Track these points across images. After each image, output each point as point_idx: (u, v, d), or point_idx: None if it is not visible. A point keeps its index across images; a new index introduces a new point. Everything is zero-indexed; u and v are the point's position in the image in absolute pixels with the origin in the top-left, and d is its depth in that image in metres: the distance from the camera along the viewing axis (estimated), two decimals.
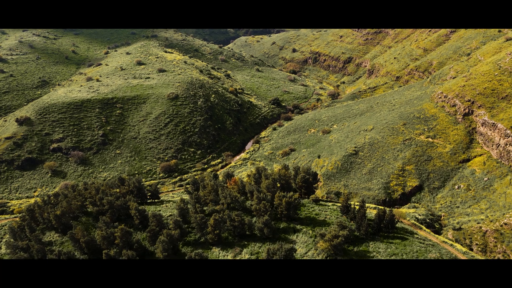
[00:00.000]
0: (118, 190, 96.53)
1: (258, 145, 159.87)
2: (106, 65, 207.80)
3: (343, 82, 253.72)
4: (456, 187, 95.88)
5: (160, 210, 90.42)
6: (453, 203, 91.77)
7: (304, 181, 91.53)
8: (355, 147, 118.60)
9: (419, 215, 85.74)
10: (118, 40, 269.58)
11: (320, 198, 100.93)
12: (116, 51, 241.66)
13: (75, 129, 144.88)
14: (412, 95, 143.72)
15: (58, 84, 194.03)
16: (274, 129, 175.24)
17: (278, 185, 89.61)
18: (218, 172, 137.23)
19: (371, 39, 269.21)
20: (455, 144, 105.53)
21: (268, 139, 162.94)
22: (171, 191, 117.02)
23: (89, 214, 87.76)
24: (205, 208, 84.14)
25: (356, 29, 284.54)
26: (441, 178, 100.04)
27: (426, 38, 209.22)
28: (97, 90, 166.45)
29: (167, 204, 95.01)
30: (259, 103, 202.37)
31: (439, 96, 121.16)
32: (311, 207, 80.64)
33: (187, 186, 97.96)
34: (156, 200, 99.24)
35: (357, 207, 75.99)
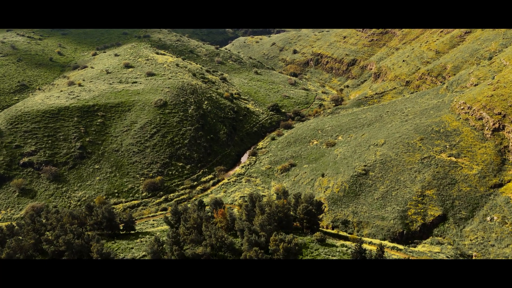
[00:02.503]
0: (85, 220, 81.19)
1: (254, 157, 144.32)
2: (92, 67, 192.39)
3: (347, 86, 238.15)
4: (488, 218, 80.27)
5: (132, 248, 75.12)
6: (486, 240, 76.18)
7: (307, 212, 76.14)
8: (365, 165, 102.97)
9: (447, 257, 70.22)
10: (108, 40, 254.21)
11: (325, 229, 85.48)
12: (104, 52, 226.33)
13: (50, 141, 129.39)
14: (427, 104, 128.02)
15: (39, 89, 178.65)
16: (273, 138, 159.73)
17: (276, 217, 74.31)
18: (209, 191, 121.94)
19: (376, 40, 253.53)
20: (484, 165, 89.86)
21: (265, 151, 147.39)
22: (153, 216, 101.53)
23: (45, 253, 72.43)
24: (185, 248, 68.83)
25: (361, 29, 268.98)
26: (469, 207, 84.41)
27: (437, 39, 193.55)
28: (77, 96, 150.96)
29: (142, 239, 79.52)
30: (257, 109, 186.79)
31: (462, 107, 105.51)
32: (315, 250, 65.19)
33: (167, 216, 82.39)
34: (131, 232, 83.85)
35: (373, 250, 60.76)
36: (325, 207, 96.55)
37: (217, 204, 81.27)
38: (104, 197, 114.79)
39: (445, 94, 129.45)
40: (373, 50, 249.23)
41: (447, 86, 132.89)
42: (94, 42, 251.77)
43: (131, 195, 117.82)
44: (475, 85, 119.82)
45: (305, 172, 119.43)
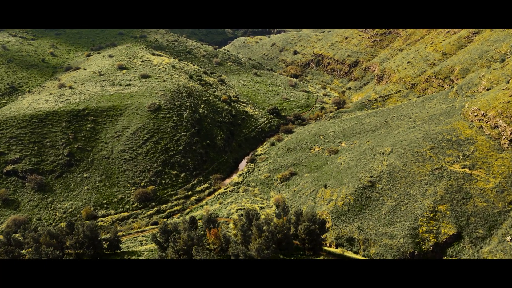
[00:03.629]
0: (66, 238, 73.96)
1: (253, 165, 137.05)
2: (84, 69, 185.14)
3: (349, 88, 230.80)
4: (508, 238, 73.04)
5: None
6: None
7: (309, 232, 69.04)
8: (371, 176, 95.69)
9: None
10: (103, 41, 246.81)
11: (329, 248, 78.27)
12: (99, 53, 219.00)
13: (36, 148, 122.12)
14: (436, 109, 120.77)
15: (29, 91, 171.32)
16: (272, 144, 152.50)
17: (275, 238, 67.17)
18: (204, 201, 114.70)
19: (379, 40, 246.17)
20: (502, 178, 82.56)
21: (264, 158, 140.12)
22: (142, 231, 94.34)
23: None
24: None
25: (363, 29, 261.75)
26: (486, 224, 77.15)
27: (444, 40, 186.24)
28: (67, 99, 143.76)
29: (129, 259, 72.39)
30: (256, 113, 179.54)
31: (475, 114, 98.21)
32: None
33: (156, 234, 75.14)
34: (117, 251, 76.72)
35: None
36: (328, 222, 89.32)
37: (210, 221, 74.04)
38: (92, 208, 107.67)
39: (455, 99, 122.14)
40: (376, 51, 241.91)
41: (456, 90, 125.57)
42: (88, 42, 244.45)
43: (121, 206, 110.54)
44: (488, 89, 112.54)
45: (307, 182, 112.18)
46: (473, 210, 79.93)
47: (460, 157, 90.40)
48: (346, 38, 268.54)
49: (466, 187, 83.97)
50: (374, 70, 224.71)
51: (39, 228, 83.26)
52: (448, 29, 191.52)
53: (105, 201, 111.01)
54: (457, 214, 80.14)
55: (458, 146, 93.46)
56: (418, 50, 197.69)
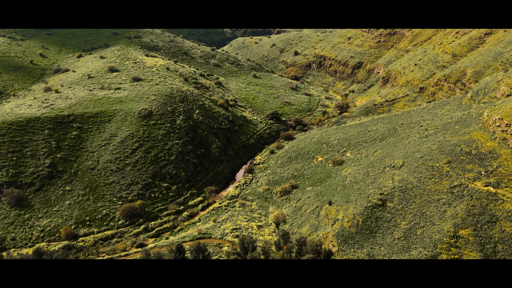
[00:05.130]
0: None
1: (251, 175, 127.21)
2: (73, 71, 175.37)
3: (353, 91, 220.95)
4: None
5: None
6: None
7: None
8: (381, 194, 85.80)
9: None
10: (96, 41, 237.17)
11: None
12: (90, 54, 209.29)
13: (15, 158, 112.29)
14: (450, 116, 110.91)
15: (14, 95, 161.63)
16: (272, 152, 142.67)
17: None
18: (196, 218, 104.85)
19: (384, 41, 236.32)
20: None
21: (263, 167, 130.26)
22: (125, 255, 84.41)
23: None
24: None
25: (367, 29, 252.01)
26: None
27: (453, 41, 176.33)
28: (51, 104, 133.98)
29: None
30: (255, 118, 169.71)
31: (497, 123, 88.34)
32: None
33: None
34: None
35: None
36: (334, 245, 79.51)
37: (199, 251, 64.25)
38: (73, 226, 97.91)
39: (470, 105, 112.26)
40: (381, 52, 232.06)
41: (471, 96, 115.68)
42: (81, 43, 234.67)
43: (105, 223, 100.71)
44: (508, 95, 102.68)
45: (309, 197, 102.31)
46: (500, 236, 69.99)
47: (482, 173, 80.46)
48: (349, 38, 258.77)
49: (491, 208, 74.03)
50: (379, 72, 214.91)
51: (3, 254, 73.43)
52: (457, 29, 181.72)
53: (88, 218, 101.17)
54: (482, 241, 70.22)
55: (479, 161, 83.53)
56: (425, 51, 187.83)
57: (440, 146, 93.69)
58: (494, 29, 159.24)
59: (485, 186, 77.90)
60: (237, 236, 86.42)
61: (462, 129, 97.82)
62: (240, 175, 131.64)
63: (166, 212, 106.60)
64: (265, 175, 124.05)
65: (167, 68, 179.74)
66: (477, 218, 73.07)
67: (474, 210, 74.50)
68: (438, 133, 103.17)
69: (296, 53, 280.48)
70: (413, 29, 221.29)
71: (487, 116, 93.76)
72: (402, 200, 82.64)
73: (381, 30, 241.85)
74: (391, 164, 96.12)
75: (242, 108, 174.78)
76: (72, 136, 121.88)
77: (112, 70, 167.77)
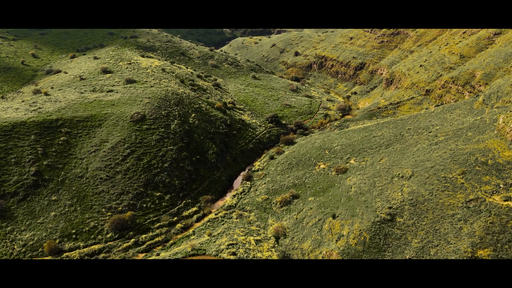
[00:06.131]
0: None
1: (249, 183, 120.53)
2: (65, 72, 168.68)
3: (355, 93, 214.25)
4: None
5: None
6: None
7: None
8: (390, 207, 79.09)
9: None
10: (91, 41, 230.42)
11: None
12: (84, 54, 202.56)
13: None
14: (461, 122, 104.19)
15: (2, 97, 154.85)
16: (272, 157, 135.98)
17: None
18: (190, 230, 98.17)
19: (387, 41, 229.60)
20: None
21: (262, 174, 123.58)
22: None
23: None
24: None
25: (369, 29, 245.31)
26: None
27: (460, 41, 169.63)
28: (39, 108, 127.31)
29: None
30: (254, 121, 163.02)
31: None
32: None
33: None
34: None
35: None
36: None
37: None
38: (58, 240, 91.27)
39: (483, 110, 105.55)
40: (384, 52, 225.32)
41: (483, 100, 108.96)
42: (75, 43, 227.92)
43: (92, 236, 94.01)
44: None
45: (311, 208, 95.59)
46: None
47: (501, 186, 73.75)
48: (351, 38, 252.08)
49: None
50: (382, 74, 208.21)
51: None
52: (464, 29, 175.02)
53: (74, 231, 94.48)
54: None
55: (496, 172, 76.82)
56: (431, 52, 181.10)
57: (452, 155, 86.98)
58: (503, 29, 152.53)
59: (505, 200, 71.19)
60: (233, 253, 79.79)
61: (475, 136, 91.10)
62: (238, 183, 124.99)
63: (158, 224, 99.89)
64: (264, 183, 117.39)
65: (163, 70, 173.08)
66: (497, 237, 66.33)
67: (493, 227, 67.77)
68: (449, 140, 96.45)
69: (296, 54, 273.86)
70: (418, 29, 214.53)
71: (503, 122, 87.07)
72: (412, 215, 75.92)
73: (384, 30, 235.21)
74: (399, 174, 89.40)
75: (240, 111, 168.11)
76: (60, 142, 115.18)
77: (105, 71, 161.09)
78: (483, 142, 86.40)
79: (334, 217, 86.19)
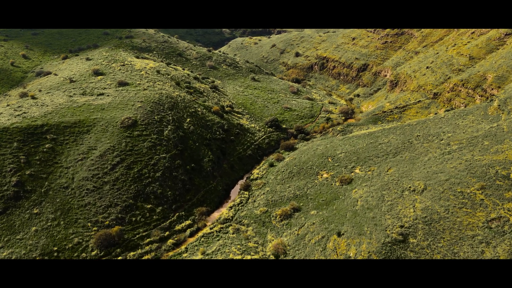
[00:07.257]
0: None
1: (247, 193, 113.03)
2: (55, 74, 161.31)
3: (358, 95, 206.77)
4: None
5: None
6: None
7: None
8: (401, 226, 71.55)
9: None
10: (85, 42, 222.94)
11: None
12: (77, 55, 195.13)
13: None
14: (476, 129, 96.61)
15: None
16: (271, 165, 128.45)
17: None
18: (183, 247, 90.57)
19: (391, 42, 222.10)
20: None
21: (261, 184, 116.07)
22: None
23: None
24: None
25: (372, 29, 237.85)
26: None
27: (469, 42, 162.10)
28: (24, 113, 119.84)
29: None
30: (253, 125, 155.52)
31: None
32: None
33: None
34: None
35: None
36: None
37: None
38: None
39: (499, 116, 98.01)
40: (388, 53, 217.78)
41: (499, 105, 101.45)
42: (68, 43, 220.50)
43: (75, 254, 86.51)
44: None
45: (313, 224, 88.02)
46: None
47: None
48: (353, 39, 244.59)
49: None
50: (386, 75, 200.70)
51: None
52: (472, 29, 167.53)
53: (56, 248, 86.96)
54: None
55: None
56: (437, 53, 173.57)
57: (468, 167, 79.40)
58: None
59: None
60: None
61: (493, 146, 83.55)
62: (235, 192, 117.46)
63: (148, 240, 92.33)
64: (263, 194, 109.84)
65: (158, 71, 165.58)
66: None
67: None
68: (464, 149, 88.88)
69: (297, 54, 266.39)
70: (423, 29, 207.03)
71: None
72: (427, 235, 68.34)
73: (387, 30, 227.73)
74: (410, 187, 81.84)
75: (239, 115, 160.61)
76: (44, 149, 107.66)
77: (97, 73, 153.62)
78: (503, 152, 78.87)
79: (339, 235, 78.61)
